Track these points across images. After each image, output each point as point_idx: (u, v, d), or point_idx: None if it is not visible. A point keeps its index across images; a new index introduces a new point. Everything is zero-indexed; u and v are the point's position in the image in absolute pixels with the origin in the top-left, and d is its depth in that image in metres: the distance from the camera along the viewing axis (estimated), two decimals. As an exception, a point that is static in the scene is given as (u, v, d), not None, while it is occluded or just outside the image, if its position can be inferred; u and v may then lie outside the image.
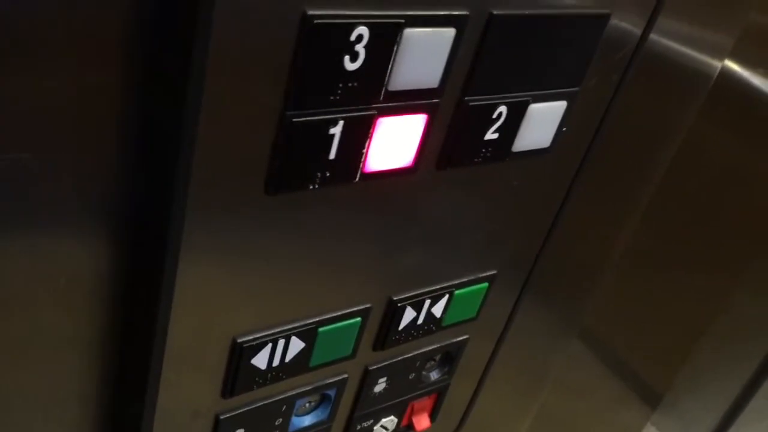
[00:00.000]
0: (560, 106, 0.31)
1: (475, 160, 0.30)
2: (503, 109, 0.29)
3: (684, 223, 0.65)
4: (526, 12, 0.27)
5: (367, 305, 0.33)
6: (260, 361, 0.30)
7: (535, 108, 0.30)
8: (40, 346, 0.26)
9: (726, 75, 0.50)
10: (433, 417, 0.41)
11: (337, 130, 0.26)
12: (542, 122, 0.31)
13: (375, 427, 0.38)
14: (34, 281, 0.25)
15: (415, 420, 0.40)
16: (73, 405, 0.29)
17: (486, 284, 0.36)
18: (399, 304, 0.33)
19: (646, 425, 0.92)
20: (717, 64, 0.40)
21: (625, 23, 0.31)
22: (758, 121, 0.61)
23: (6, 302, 0.25)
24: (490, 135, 0.30)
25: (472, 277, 0.36)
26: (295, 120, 0.25)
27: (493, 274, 0.36)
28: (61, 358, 0.27)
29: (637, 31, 0.32)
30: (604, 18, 0.30)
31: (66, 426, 0.29)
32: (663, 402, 0.88)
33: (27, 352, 0.26)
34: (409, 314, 0.34)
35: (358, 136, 0.26)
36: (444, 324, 0.36)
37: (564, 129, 0.32)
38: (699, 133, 0.48)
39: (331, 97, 0.25)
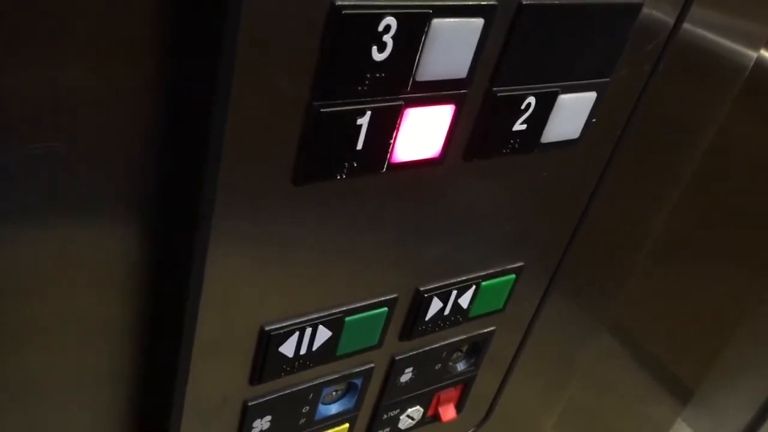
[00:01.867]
0: (590, 96, 0.31)
1: (503, 151, 0.30)
2: (532, 99, 0.29)
3: (719, 217, 0.64)
4: (556, 1, 0.27)
5: (394, 295, 0.33)
6: (287, 349, 0.31)
7: (564, 99, 0.30)
8: (71, 334, 0.27)
9: (762, 65, 0.49)
10: (459, 408, 0.41)
11: (364, 121, 0.26)
12: (571, 113, 0.31)
13: (401, 417, 0.39)
14: (64, 269, 0.25)
15: (441, 410, 0.40)
16: (104, 391, 0.29)
17: (513, 276, 0.36)
18: (426, 295, 0.34)
19: (677, 421, 0.91)
20: (752, 53, 0.39)
21: (658, 12, 0.31)
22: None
23: (37, 290, 0.25)
24: (519, 126, 0.30)
25: (500, 269, 0.36)
26: (322, 110, 0.25)
27: (521, 266, 0.36)
28: (92, 346, 0.28)
29: (670, 21, 0.32)
30: (636, 8, 0.30)
31: (97, 411, 0.30)
32: (694, 398, 0.87)
33: (58, 339, 0.27)
34: (436, 305, 0.34)
35: (386, 126, 0.26)
36: (471, 315, 0.36)
37: (594, 120, 0.32)
38: (733, 125, 0.47)
39: (359, 88, 0.25)
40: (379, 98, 0.26)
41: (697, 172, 0.47)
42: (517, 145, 0.30)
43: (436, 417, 0.40)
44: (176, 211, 0.26)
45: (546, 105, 0.30)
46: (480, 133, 0.29)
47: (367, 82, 0.25)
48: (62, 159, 0.23)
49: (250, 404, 0.32)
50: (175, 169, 0.25)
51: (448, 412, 0.40)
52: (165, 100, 0.23)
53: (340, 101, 0.25)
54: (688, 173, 0.46)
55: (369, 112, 0.26)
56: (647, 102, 0.35)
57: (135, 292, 0.27)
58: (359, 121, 0.26)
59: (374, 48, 0.24)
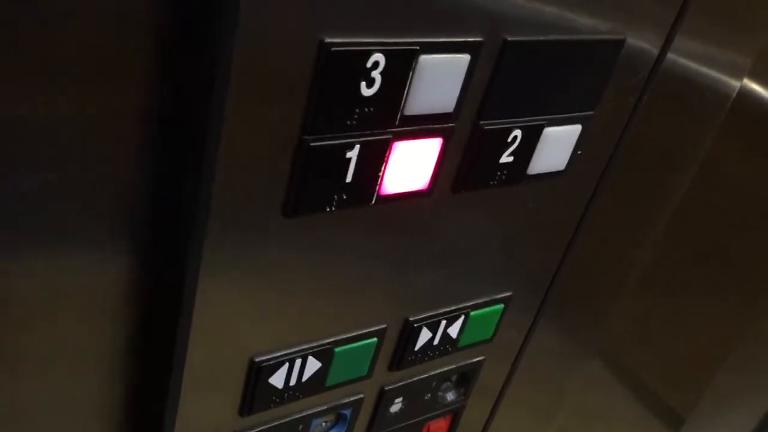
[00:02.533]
0: (575, 129, 0.31)
1: (491, 183, 0.31)
2: (518, 132, 0.30)
3: (708, 246, 0.65)
4: (540, 38, 0.28)
5: (383, 325, 0.33)
6: (277, 380, 0.31)
7: (550, 131, 0.31)
8: (60, 363, 0.27)
9: (745, 94, 0.50)
10: (449, 438, 0.41)
11: (353, 154, 0.26)
12: (557, 145, 0.31)
13: (391, 448, 0.39)
14: (55, 299, 0.25)
15: (431, 440, 0.40)
16: (93, 422, 0.29)
17: (502, 306, 0.36)
18: (415, 325, 0.34)
19: (668, 449, 0.90)
20: (736, 83, 0.40)
21: (642, 44, 0.32)
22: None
23: (28, 318, 0.25)
24: (505, 158, 0.30)
25: (488, 299, 0.36)
26: (312, 144, 0.25)
27: (509, 296, 0.37)
28: (81, 376, 0.28)
29: (654, 52, 0.32)
30: (619, 43, 0.30)
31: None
32: (685, 426, 0.87)
33: (47, 368, 0.27)
34: (425, 335, 0.34)
35: (375, 159, 0.27)
36: (460, 345, 0.36)
37: (579, 152, 0.33)
38: (719, 154, 0.48)
39: (348, 122, 0.25)
40: (367, 132, 0.26)
41: (686, 202, 0.47)
42: (504, 177, 0.31)
43: (426, 447, 0.40)
44: (167, 242, 0.26)
45: (532, 138, 0.30)
46: (468, 165, 0.29)
47: (356, 116, 0.25)
48: (56, 190, 0.23)
49: (239, 436, 0.32)
50: (167, 201, 0.25)
51: (438, 443, 0.40)
52: (157, 133, 0.24)
53: (329, 135, 0.25)
54: (675, 202, 0.46)
55: (358, 146, 0.26)
56: (632, 133, 0.35)
57: (125, 323, 0.27)
58: (348, 155, 0.26)
59: (363, 84, 0.24)
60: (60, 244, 0.24)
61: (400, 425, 0.38)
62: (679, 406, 0.85)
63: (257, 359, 0.30)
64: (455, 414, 0.40)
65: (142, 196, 0.25)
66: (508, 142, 0.30)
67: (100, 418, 0.29)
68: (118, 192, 0.25)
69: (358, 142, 0.26)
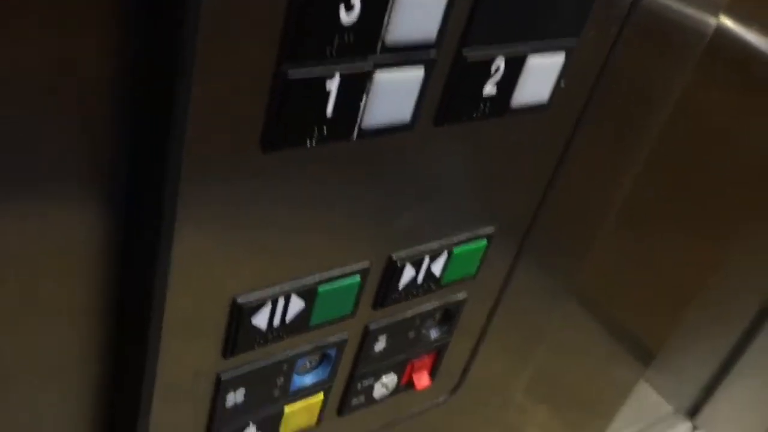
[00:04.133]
0: (558, 60, 0.31)
1: (473, 115, 0.30)
2: (501, 62, 0.29)
3: (679, 184, 0.65)
4: (524, -39, 0.27)
5: (367, 263, 0.33)
6: (260, 320, 0.30)
7: (533, 61, 0.30)
8: (36, 314, 0.26)
9: (721, 32, 0.50)
10: (432, 375, 0.41)
11: (333, 85, 0.25)
12: (540, 76, 0.31)
13: (375, 386, 0.39)
14: (24, 251, 0.24)
15: (415, 378, 0.40)
16: (72, 371, 0.29)
17: (485, 242, 0.36)
18: (398, 263, 0.33)
19: (640, 381, 0.93)
20: (712, 20, 0.40)
21: (623, -26, 0.31)
22: (753, 79, 0.61)
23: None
24: (489, 90, 0.29)
25: (471, 235, 0.36)
26: (290, 74, 0.24)
27: (492, 232, 0.36)
28: (58, 326, 0.27)
29: (635, -18, 0.32)
30: (603, -32, 0.30)
31: (65, 393, 0.29)
32: (656, 359, 0.89)
33: (22, 318, 0.26)
34: (409, 272, 0.34)
35: (355, 91, 0.26)
36: (443, 282, 0.36)
37: (562, 84, 0.32)
38: (693, 93, 0.48)
39: (327, 51, 0.24)
40: (347, 62, 0.25)
41: (658, 140, 0.47)
42: (487, 110, 0.30)
43: (411, 385, 0.40)
44: (143, 183, 0.25)
45: (515, 68, 0.29)
46: (450, 97, 0.29)
47: (335, 45, 0.24)
48: (19, 129, 0.22)
49: (223, 378, 0.31)
50: (140, 140, 0.24)
51: (422, 380, 0.40)
52: (128, 66, 0.23)
53: (308, 65, 0.24)
54: (652, 139, 0.46)
55: (338, 77, 0.25)
56: (612, 67, 0.35)
57: (102, 267, 0.26)
58: (328, 86, 0.25)
59: (342, 9, 0.23)
60: (24, 192, 0.23)
61: (385, 363, 0.38)
62: (650, 340, 0.87)
63: (239, 300, 0.29)
64: (439, 351, 0.40)
65: (111, 136, 0.24)
66: (491, 73, 0.29)
67: (79, 368, 0.29)
68: (87, 131, 0.23)
69: (338, 73, 0.25)
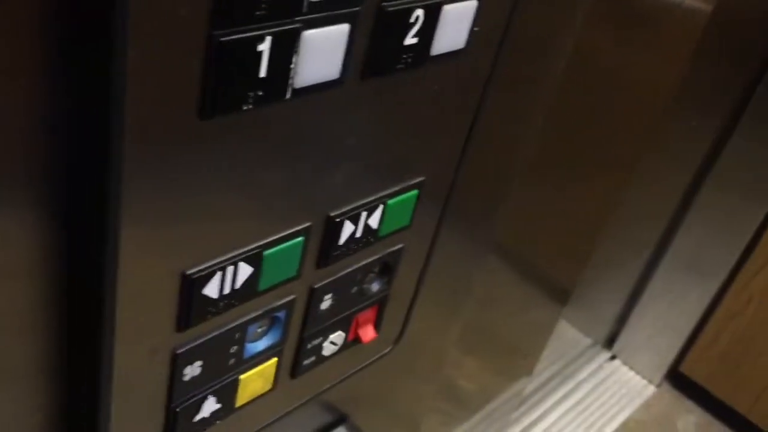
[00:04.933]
0: (471, 4, 0.32)
1: (397, 66, 0.31)
2: (419, 12, 0.30)
3: (574, 126, 0.68)
4: None
5: (308, 224, 0.33)
6: (211, 290, 0.31)
7: (448, 9, 0.31)
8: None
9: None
10: (377, 327, 0.42)
11: (265, 47, 0.26)
12: (456, 22, 0.32)
13: (324, 344, 0.40)
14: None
15: (361, 332, 0.41)
16: (26, 357, 0.28)
17: (416, 191, 0.37)
18: (337, 219, 0.34)
19: (559, 321, 0.98)
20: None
21: None
22: (639, 24, 0.65)
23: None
24: (410, 40, 0.30)
25: (403, 186, 0.37)
26: (222, 39, 0.24)
27: (422, 181, 0.38)
28: (8, 323, 0.27)
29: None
30: None
31: (21, 377, 0.29)
32: (572, 297, 0.94)
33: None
34: (348, 228, 0.35)
35: (286, 51, 0.26)
36: (381, 234, 0.37)
37: (476, 28, 0.33)
38: (584, 37, 0.50)
39: (257, 13, 0.25)
40: (277, 22, 0.25)
41: (557, 88, 0.49)
42: (410, 60, 0.31)
43: (357, 339, 0.41)
44: (84, 164, 0.25)
45: (432, 16, 0.31)
46: (374, 50, 0.29)
47: (263, 6, 0.25)
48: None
49: (179, 351, 0.32)
50: (79, 116, 0.24)
51: (368, 333, 0.41)
52: (60, 45, 0.22)
53: (239, 29, 0.25)
54: (556, 83, 0.48)
55: (269, 38, 0.25)
56: (519, 13, 0.36)
57: (51, 250, 0.26)
58: (260, 48, 0.25)
59: (269, -31, 0.24)
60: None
61: (332, 321, 0.39)
62: (564, 280, 0.91)
63: (189, 272, 0.29)
64: (381, 304, 0.42)
65: (51, 113, 0.23)
66: (410, 23, 0.30)
67: (35, 353, 0.28)
68: (26, 113, 0.23)
69: (269, 34, 0.25)
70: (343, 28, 0.28)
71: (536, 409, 1.13)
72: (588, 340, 1.25)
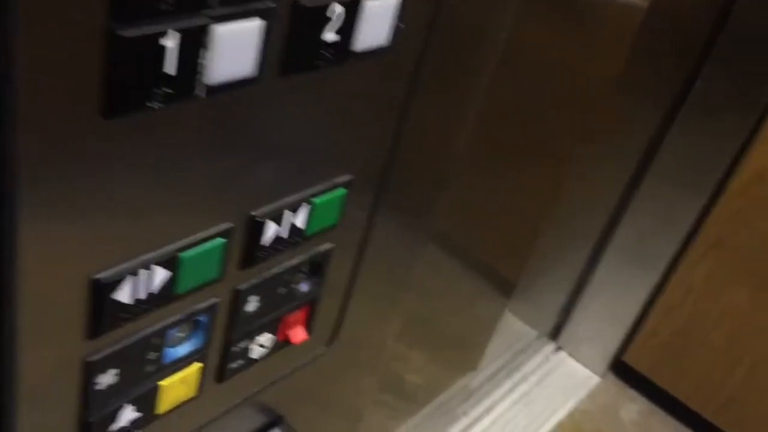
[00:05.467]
0: (392, 0, 0.31)
1: (317, 63, 0.30)
2: (338, 7, 0.29)
3: (514, 120, 0.68)
4: None
5: (229, 224, 0.32)
6: (123, 295, 0.29)
7: (369, 5, 0.30)
8: None
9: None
10: (309, 329, 0.42)
11: (169, 42, 0.24)
12: (378, 18, 0.31)
13: (252, 347, 0.39)
14: None
15: (291, 333, 0.40)
16: None
17: (343, 190, 0.37)
18: (259, 219, 0.33)
19: (505, 313, 0.98)
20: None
21: None
22: (576, 19, 0.65)
23: None
24: (330, 36, 0.30)
25: (329, 184, 0.36)
26: (122, 34, 0.23)
27: (350, 179, 0.37)
28: None
29: None
30: None
31: None
32: (516, 289, 0.95)
33: None
34: (272, 228, 0.34)
35: (194, 46, 0.25)
36: (307, 234, 0.36)
37: (401, 25, 0.33)
38: (522, 31, 0.50)
39: (161, 7, 0.23)
40: (183, 17, 0.24)
41: (492, 79, 0.49)
42: (330, 56, 0.30)
43: (288, 341, 0.40)
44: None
45: (352, 12, 0.30)
46: (292, 46, 0.28)
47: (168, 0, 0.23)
48: None
49: (89, 360, 0.30)
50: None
51: (299, 335, 0.41)
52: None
53: (141, 23, 0.23)
54: (489, 76, 0.48)
55: (174, 33, 0.24)
56: (447, 5, 0.36)
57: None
58: (164, 43, 0.24)
59: (170, -39, 0.23)
60: None
61: (259, 323, 0.38)
62: (508, 273, 0.92)
63: (97, 276, 0.28)
64: (311, 304, 0.41)
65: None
66: (328, 18, 0.29)
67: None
68: None
69: (174, 28, 0.24)
70: (256, 24, 0.27)
71: (483, 402, 1.13)
72: (533, 333, 1.26)
